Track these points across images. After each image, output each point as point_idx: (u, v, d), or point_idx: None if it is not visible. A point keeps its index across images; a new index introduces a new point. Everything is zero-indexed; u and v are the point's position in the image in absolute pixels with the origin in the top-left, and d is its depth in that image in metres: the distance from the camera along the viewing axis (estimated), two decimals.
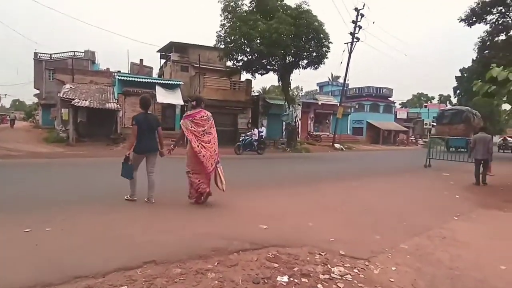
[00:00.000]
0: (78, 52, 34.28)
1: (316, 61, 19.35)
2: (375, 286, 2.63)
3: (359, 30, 23.75)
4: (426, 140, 29.78)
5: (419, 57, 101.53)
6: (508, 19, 21.05)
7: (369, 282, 2.69)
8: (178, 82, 20.49)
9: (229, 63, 21.11)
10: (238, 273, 2.72)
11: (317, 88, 46.59)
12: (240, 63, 19.70)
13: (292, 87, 31.03)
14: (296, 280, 2.64)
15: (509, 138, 30.66)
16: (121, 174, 4.84)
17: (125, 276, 2.56)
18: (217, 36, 18.60)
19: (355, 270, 2.89)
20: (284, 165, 12.39)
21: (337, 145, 23.80)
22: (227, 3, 18.14)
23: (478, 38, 21.88)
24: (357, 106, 36.32)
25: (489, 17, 21.34)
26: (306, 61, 19.64)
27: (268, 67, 19.96)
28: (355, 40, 23.86)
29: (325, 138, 27.12)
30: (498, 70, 6.55)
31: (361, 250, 3.38)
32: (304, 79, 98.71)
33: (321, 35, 18.10)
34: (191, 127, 4.80)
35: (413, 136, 41.51)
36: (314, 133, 28.58)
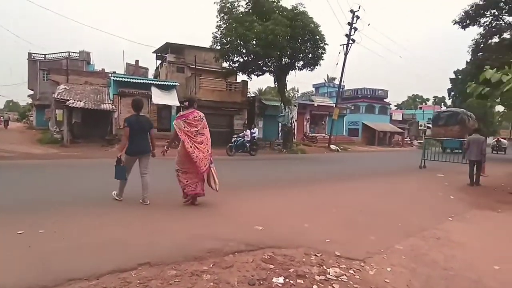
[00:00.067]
0: (73, 52, 34.05)
1: (312, 62, 19.42)
2: (371, 287, 2.64)
3: (354, 32, 23.92)
4: (421, 141, 29.98)
5: (414, 59, 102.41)
6: (501, 22, 21.33)
7: (364, 283, 2.69)
8: (174, 83, 20.44)
9: (225, 64, 21.11)
10: (233, 274, 2.71)
11: (313, 89, 46.71)
12: (236, 64, 19.70)
13: (288, 89, 31.08)
14: (291, 281, 2.63)
15: (502, 140, 31.03)
16: (115, 177, 4.85)
17: (119, 278, 2.54)
18: (213, 37, 18.62)
19: (351, 271, 2.89)
20: (279, 166, 12.40)
21: (333, 146, 23.87)
22: (223, 4, 18.14)
23: (472, 40, 22.15)
24: (352, 108, 36.48)
25: (482, 20, 21.60)
26: (302, 63, 19.70)
27: (264, 68, 19.98)
28: (350, 41, 23.99)
29: (321, 139, 27.20)
30: (492, 72, 6.62)
31: (356, 251, 3.38)
32: (300, 81, 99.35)
33: (317, 37, 18.18)
34: (184, 128, 4.83)
35: (408, 137, 41.80)
36: (310, 134, 28.64)
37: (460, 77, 30.68)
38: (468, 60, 23.65)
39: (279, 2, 18.46)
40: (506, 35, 19.90)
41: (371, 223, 4.57)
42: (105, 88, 20.73)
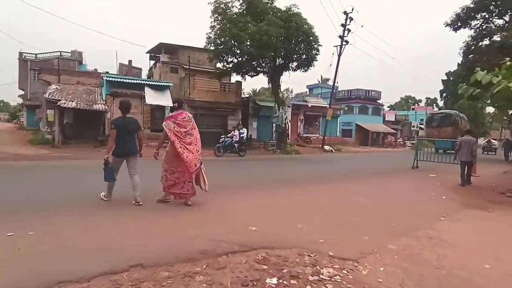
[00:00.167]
0: (65, 52, 33.67)
1: (306, 63, 19.50)
2: (364, 286, 2.64)
3: (348, 33, 24.06)
4: (414, 142, 30.32)
5: (408, 60, 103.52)
6: (491, 25, 21.69)
7: (357, 283, 2.70)
8: (167, 84, 20.33)
9: (219, 65, 21.07)
10: (226, 275, 2.69)
11: (307, 90, 46.88)
12: (230, 65, 19.68)
13: (282, 89, 31.22)
14: (285, 282, 2.62)
15: (493, 140, 31.55)
16: (104, 179, 4.86)
17: (111, 280, 2.50)
18: (207, 37, 18.55)
19: (344, 271, 2.90)
20: (273, 167, 12.40)
21: (326, 147, 23.97)
22: (217, 5, 18.11)
23: (463, 42, 22.48)
24: (346, 108, 36.72)
25: (473, 23, 21.95)
26: (296, 64, 19.76)
27: (258, 69, 19.99)
28: (344, 43, 24.13)
29: (315, 140, 27.29)
30: (482, 74, 6.72)
31: (350, 251, 3.39)
32: (294, 81, 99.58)
33: (311, 38, 18.25)
34: (174, 128, 4.89)
35: (401, 138, 42.23)
36: (304, 135, 28.73)
37: (451, 78, 31.14)
38: (460, 62, 23.98)
39: (273, 3, 18.49)
40: (496, 38, 20.22)
41: (364, 223, 4.59)
42: (97, 88, 20.51)
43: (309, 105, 29.96)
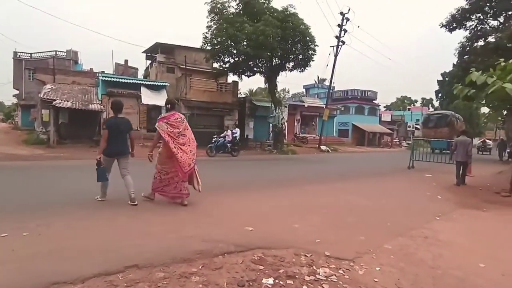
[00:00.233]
0: (60, 51, 33.41)
1: (303, 63, 19.53)
2: (360, 286, 2.65)
3: (344, 34, 24.15)
4: (410, 142, 30.50)
5: (404, 60, 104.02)
6: (486, 26, 21.86)
7: (354, 282, 2.70)
8: (164, 84, 20.27)
9: (215, 65, 21.04)
10: (223, 276, 2.68)
11: (304, 90, 47.00)
12: (227, 65, 19.65)
13: (278, 89, 31.13)
14: (281, 282, 2.62)
15: (487, 141, 31.83)
16: (97, 180, 4.85)
17: (106, 281, 2.48)
18: (203, 37, 18.51)
19: (340, 271, 2.90)
20: (269, 167, 12.40)
21: (323, 147, 24.02)
22: (214, 4, 18.09)
23: (459, 43, 22.62)
24: (342, 109, 36.84)
25: (468, 24, 22.11)
26: (293, 64, 19.79)
27: (255, 69, 19.98)
28: (340, 43, 24.23)
29: (311, 140, 27.34)
30: (477, 75, 6.78)
31: (346, 251, 3.40)
32: (291, 82, 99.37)
33: (307, 38, 18.28)
34: (167, 129, 4.92)
35: (397, 138, 42.42)
36: (301, 135, 28.78)
37: (447, 79, 31.34)
38: (455, 63, 24.14)
39: (269, 3, 18.50)
40: (491, 39, 20.38)
41: (361, 223, 4.60)
42: (93, 88, 20.38)
43: (306, 105, 30.02)
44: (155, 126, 5.13)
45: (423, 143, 20.51)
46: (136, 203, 4.87)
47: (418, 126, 43.46)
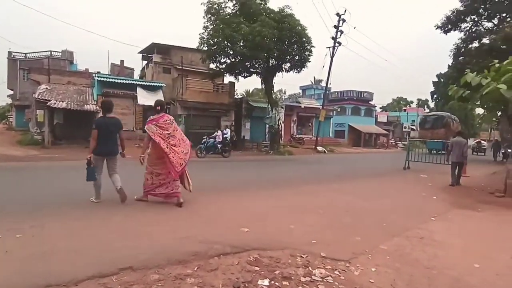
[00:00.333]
0: (55, 52, 33.18)
1: (299, 64, 19.57)
2: (356, 287, 2.64)
3: (340, 35, 24.22)
4: (405, 143, 30.70)
5: (399, 62, 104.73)
6: (480, 28, 22.07)
7: (349, 283, 2.70)
8: (160, 84, 20.21)
9: (212, 66, 21.01)
10: (218, 277, 2.66)
11: (300, 91, 47.12)
12: (223, 66, 19.64)
13: (275, 90, 31.27)
14: (277, 284, 2.61)
15: (482, 141, 32.15)
16: (86, 179, 4.85)
17: (100, 284, 2.46)
18: (200, 38, 18.49)
19: (336, 272, 2.90)
20: (266, 168, 12.40)
21: (319, 148, 24.07)
22: (211, 5, 18.07)
23: (453, 45, 22.80)
24: (339, 110, 36.97)
25: (463, 25, 22.30)
26: (289, 65, 19.81)
27: (251, 70, 19.98)
28: (337, 44, 24.29)
29: (308, 141, 27.39)
30: (472, 76, 6.84)
31: (342, 251, 3.40)
32: (287, 82, 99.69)
33: (304, 39, 18.32)
34: (157, 131, 4.96)
35: (393, 139, 42.65)
36: (297, 136, 28.82)
37: (442, 80, 31.59)
38: (450, 64, 24.34)
39: (266, 4, 18.53)
40: (485, 40, 20.57)
41: (357, 223, 4.61)
42: (88, 88, 20.25)
43: (302, 106, 30.08)
44: (145, 128, 5.18)
45: (418, 144, 20.67)
46: (125, 196, 4.92)
47: (413, 127, 43.79)
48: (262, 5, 18.32)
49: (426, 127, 26.05)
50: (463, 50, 22.10)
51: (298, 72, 20.08)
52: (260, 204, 5.63)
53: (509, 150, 7.91)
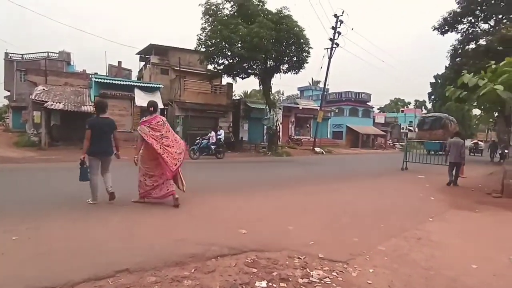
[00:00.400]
0: (52, 53, 33.07)
1: (297, 65, 19.61)
2: None
3: (338, 36, 24.29)
4: (403, 143, 30.81)
5: (397, 63, 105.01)
6: (477, 29, 22.18)
7: (347, 285, 2.69)
8: (157, 85, 20.15)
9: (210, 67, 21.00)
10: (215, 279, 2.65)
11: (298, 92, 47.18)
12: (221, 67, 19.65)
13: (273, 91, 31.29)
14: (274, 285, 2.60)
15: (479, 142, 32.35)
16: (79, 179, 4.87)
17: (95, 286, 2.44)
18: (198, 39, 18.50)
19: (334, 273, 2.89)
20: (264, 169, 12.39)
21: (317, 149, 24.09)
22: (208, 6, 18.09)
23: (450, 46, 22.91)
24: (337, 111, 37.03)
25: (460, 27, 22.40)
26: (287, 66, 19.85)
27: (249, 71, 20.00)
28: (334, 45, 24.36)
29: (306, 142, 27.41)
30: (469, 77, 6.86)
31: (339, 252, 3.39)
32: (285, 84, 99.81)
33: (302, 40, 18.36)
34: (149, 132, 4.97)
35: (390, 140, 42.76)
36: (295, 137, 28.83)
37: (439, 81, 31.66)
38: (447, 65, 24.44)
39: (264, 5, 18.56)
40: (482, 42, 20.66)
41: (354, 224, 4.60)
42: (86, 89, 20.19)
43: (300, 107, 30.10)
44: (137, 129, 5.19)
45: (416, 145, 20.75)
46: (114, 196, 4.95)
47: (411, 128, 43.94)
48: (260, 7, 18.35)
49: (425, 128, 26.35)
50: (460, 51, 22.20)
51: (296, 73, 20.14)
52: (258, 205, 5.62)
53: (506, 151, 7.94)
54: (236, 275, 2.75)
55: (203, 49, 18.56)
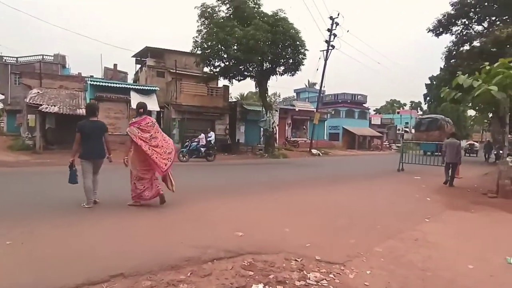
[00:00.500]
0: (47, 55, 32.91)
1: (293, 67, 19.65)
2: None
3: (334, 38, 24.41)
4: (399, 145, 30.97)
5: (392, 65, 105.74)
6: (471, 31, 22.38)
7: (344, 286, 2.68)
8: (154, 88, 20.07)
9: (206, 69, 20.97)
10: (212, 283, 2.63)
11: (294, 94, 47.25)
12: (217, 69, 19.62)
13: (269, 94, 31.36)
14: None
15: (475, 143, 32.63)
16: (68, 181, 4.88)
17: None
18: (194, 41, 18.47)
19: (331, 275, 2.88)
20: (261, 171, 12.37)
21: (314, 151, 24.13)
22: (204, 9, 18.09)
23: (445, 48, 23.09)
24: (333, 112, 37.16)
25: (454, 28, 22.58)
26: (283, 68, 19.88)
27: (246, 73, 20.00)
28: (330, 47, 24.45)
29: (302, 143, 27.45)
30: (463, 78, 6.91)
31: (336, 254, 3.38)
32: (282, 86, 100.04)
33: (298, 42, 18.41)
34: (139, 133, 5.00)
35: (386, 141, 42.97)
36: (292, 139, 28.87)
37: (434, 82, 31.93)
38: (442, 67, 24.64)
39: (260, 8, 18.60)
40: (476, 43, 20.85)
41: (351, 226, 4.60)
42: (81, 92, 20.04)
43: (297, 109, 30.15)
44: (126, 131, 5.21)
45: (412, 146, 20.88)
46: (96, 201, 5.03)
47: (407, 129, 44.22)
48: (255, 9, 18.38)
49: (421, 129, 26.74)
50: (454, 53, 22.38)
51: (292, 75, 20.17)
52: (254, 208, 5.60)
53: (501, 151, 7.99)
54: (233, 278, 2.73)
55: (199, 52, 18.53)
